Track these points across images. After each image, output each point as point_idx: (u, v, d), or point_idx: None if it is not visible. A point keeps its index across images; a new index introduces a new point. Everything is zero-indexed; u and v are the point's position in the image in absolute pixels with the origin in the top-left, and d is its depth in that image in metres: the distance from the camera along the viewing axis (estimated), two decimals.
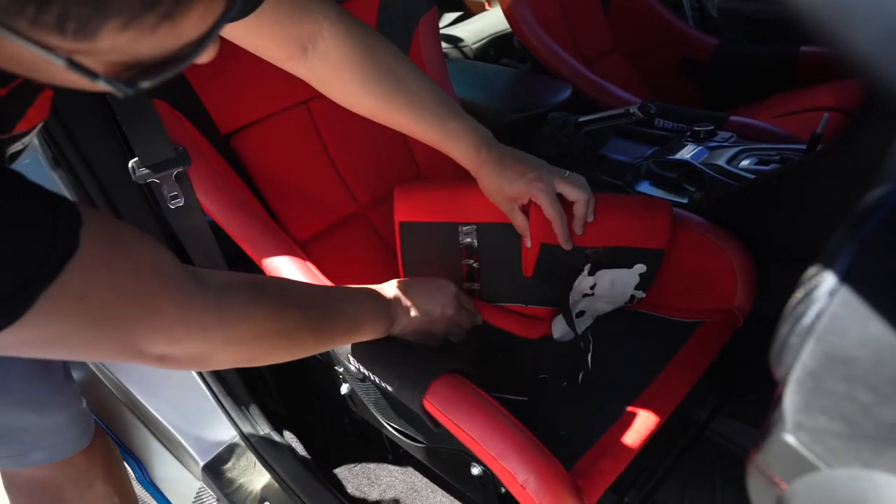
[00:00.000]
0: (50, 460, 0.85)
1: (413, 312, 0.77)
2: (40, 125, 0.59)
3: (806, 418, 0.28)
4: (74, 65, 0.29)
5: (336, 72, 0.73)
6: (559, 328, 0.92)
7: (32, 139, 0.61)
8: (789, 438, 0.28)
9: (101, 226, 0.44)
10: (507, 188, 0.79)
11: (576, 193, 0.80)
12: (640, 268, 0.87)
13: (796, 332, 0.27)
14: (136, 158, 0.79)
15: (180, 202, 0.83)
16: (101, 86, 0.31)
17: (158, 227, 0.92)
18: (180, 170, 0.81)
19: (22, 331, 0.39)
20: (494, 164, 0.79)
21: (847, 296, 0.26)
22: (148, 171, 0.79)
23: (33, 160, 0.85)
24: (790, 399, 0.28)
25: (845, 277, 0.26)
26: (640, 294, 0.90)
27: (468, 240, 0.90)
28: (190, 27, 0.30)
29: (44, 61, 0.28)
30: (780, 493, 0.31)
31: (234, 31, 0.66)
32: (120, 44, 0.29)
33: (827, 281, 0.27)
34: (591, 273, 0.88)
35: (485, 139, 0.80)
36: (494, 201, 0.83)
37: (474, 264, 0.93)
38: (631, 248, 0.85)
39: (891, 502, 0.26)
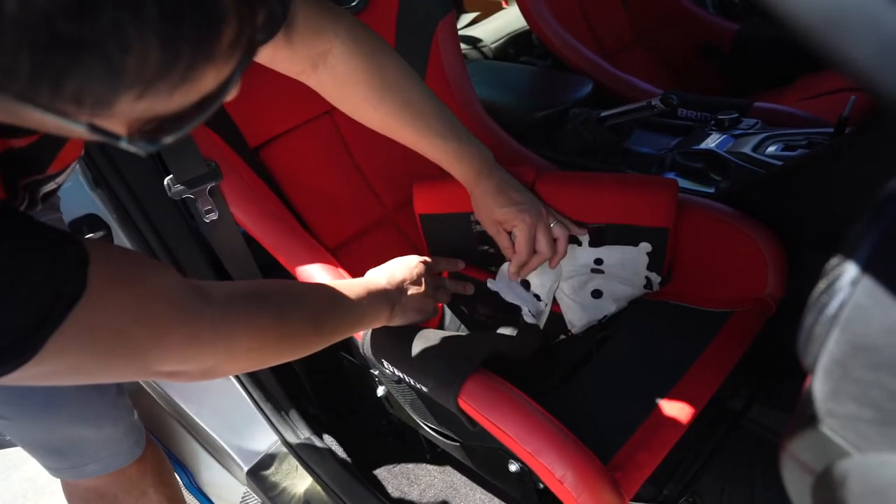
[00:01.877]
0: (105, 471, 0.88)
1: (408, 291, 0.80)
2: (74, 163, 0.61)
3: (835, 405, 0.28)
4: (96, 129, 0.30)
5: (344, 86, 0.75)
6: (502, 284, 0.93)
7: (69, 174, 0.63)
8: (820, 426, 0.29)
9: (107, 260, 0.45)
10: (497, 212, 0.84)
11: (543, 249, 0.85)
12: (646, 246, 0.87)
13: (821, 322, 0.28)
14: (171, 176, 0.82)
15: (214, 216, 0.86)
16: (124, 146, 0.32)
17: (194, 241, 0.95)
18: (213, 184, 0.84)
19: (35, 368, 0.40)
20: (489, 188, 0.84)
21: (870, 285, 0.26)
22: (183, 187, 0.82)
23: (75, 182, 0.89)
24: (819, 387, 0.28)
25: (867, 266, 0.27)
26: (656, 277, 0.90)
27: (480, 227, 0.92)
28: (207, 83, 0.31)
29: (67, 126, 0.30)
30: (813, 480, 0.31)
31: None
32: (138, 110, 0.30)
33: (849, 271, 0.27)
34: (594, 245, 0.89)
35: (485, 164, 0.84)
36: (482, 222, 0.88)
37: (490, 250, 0.96)
38: (632, 225, 0.87)
39: None
